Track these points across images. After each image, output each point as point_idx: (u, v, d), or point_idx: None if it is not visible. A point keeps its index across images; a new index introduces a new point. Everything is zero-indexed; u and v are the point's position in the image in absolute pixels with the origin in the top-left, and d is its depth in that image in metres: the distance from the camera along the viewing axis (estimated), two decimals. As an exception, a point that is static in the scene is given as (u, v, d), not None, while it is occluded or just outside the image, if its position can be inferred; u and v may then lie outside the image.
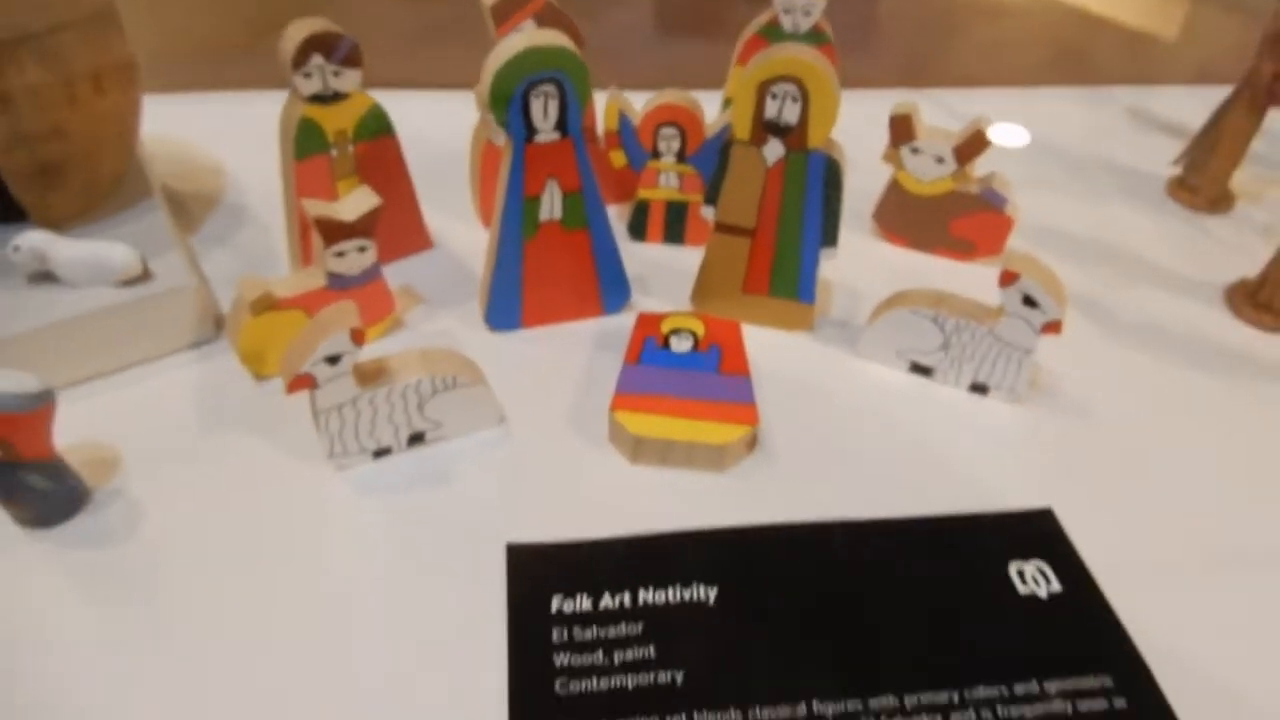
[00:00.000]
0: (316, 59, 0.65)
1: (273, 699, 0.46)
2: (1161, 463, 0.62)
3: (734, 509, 0.56)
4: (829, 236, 0.65)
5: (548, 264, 0.66)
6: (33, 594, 0.50)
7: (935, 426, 0.63)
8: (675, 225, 0.78)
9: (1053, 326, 0.61)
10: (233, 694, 0.46)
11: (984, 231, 0.77)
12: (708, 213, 0.67)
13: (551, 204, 0.64)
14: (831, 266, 0.75)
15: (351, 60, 0.66)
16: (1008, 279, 0.60)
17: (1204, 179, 0.87)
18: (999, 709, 0.46)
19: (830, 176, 0.63)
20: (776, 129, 0.61)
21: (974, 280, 0.72)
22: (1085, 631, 0.50)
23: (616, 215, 0.81)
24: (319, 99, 0.67)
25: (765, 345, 0.69)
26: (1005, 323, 0.62)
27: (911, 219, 0.79)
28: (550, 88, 0.59)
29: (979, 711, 0.45)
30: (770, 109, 0.61)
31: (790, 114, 0.60)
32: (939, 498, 0.58)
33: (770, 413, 0.63)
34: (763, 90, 0.60)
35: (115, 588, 0.50)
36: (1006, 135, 0.99)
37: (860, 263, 0.78)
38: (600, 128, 0.78)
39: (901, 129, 0.74)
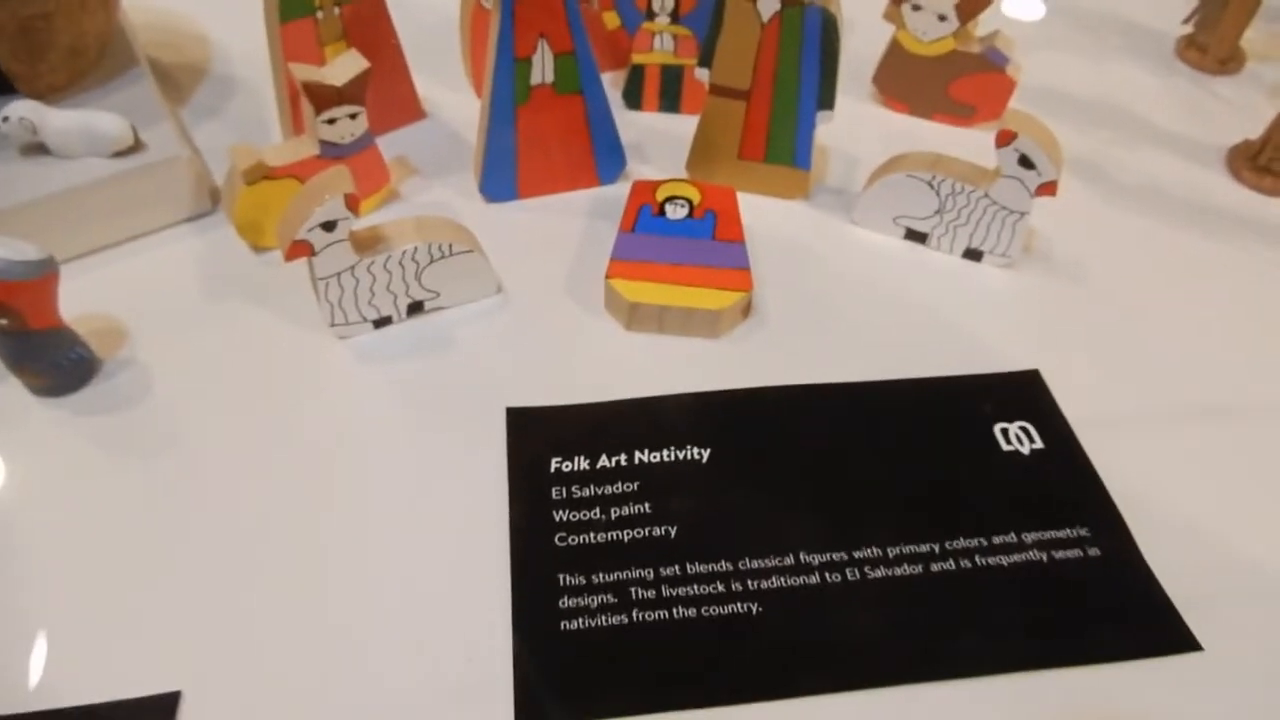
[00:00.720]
0: (296, -85, 0.62)
1: (286, 548, 0.48)
2: (1149, 323, 0.62)
3: (729, 373, 0.58)
4: (825, 99, 0.64)
5: (541, 130, 0.66)
6: (50, 458, 0.52)
7: (928, 292, 0.64)
8: (671, 92, 0.76)
9: (1048, 188, 0.61)
10: (248, 544, 0.48)
11: (985, 93, 0.75)
12: (701, 74, 0.66)
13: (543, 66, 0.63)
14: (829, 132, 0.74)
15: (333, -84, 0.63)
16: (1005, 138, 0.60)
17: (1214, 37, 0.84)
18: (977, 559, 0.48)
19: (827, 32, 0.61)
20: (772, -17, 0.59)
21: (973, 148, 0.71)
22: (1064, 486, 0.52)
23: (611, 82, 0.79)
24: (300, -41, 0.64)
25: (761, 212, 0.69)
26: (1000, 184, 0.62)
27: (912, 82, 0.77)
28: (538, -63, 0.57)
29: (958, 561, 0.48)
30: (767, -38, 0.59)
31: (787, -33, 0.58)
32: (929, 361, 0.59)
33: (765, 279, 0.64)
34: (755, -59, 0.58)
35: (129, 451, 0.52)
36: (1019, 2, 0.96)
37: (859, 129, 0.77)
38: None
39: (905, -15, 0.72)
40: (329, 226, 0.53)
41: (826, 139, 0.74)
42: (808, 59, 0.63)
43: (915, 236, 0.67)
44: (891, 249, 0.67)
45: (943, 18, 0.72)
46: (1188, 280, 0.66)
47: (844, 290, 0.64)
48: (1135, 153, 0.77)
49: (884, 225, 0.67)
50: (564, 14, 0.61)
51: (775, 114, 0.66)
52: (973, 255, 0.66)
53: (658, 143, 0.75)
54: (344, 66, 0.61)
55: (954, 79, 0.75)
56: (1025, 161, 0.60)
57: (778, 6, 0.61)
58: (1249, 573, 0.49)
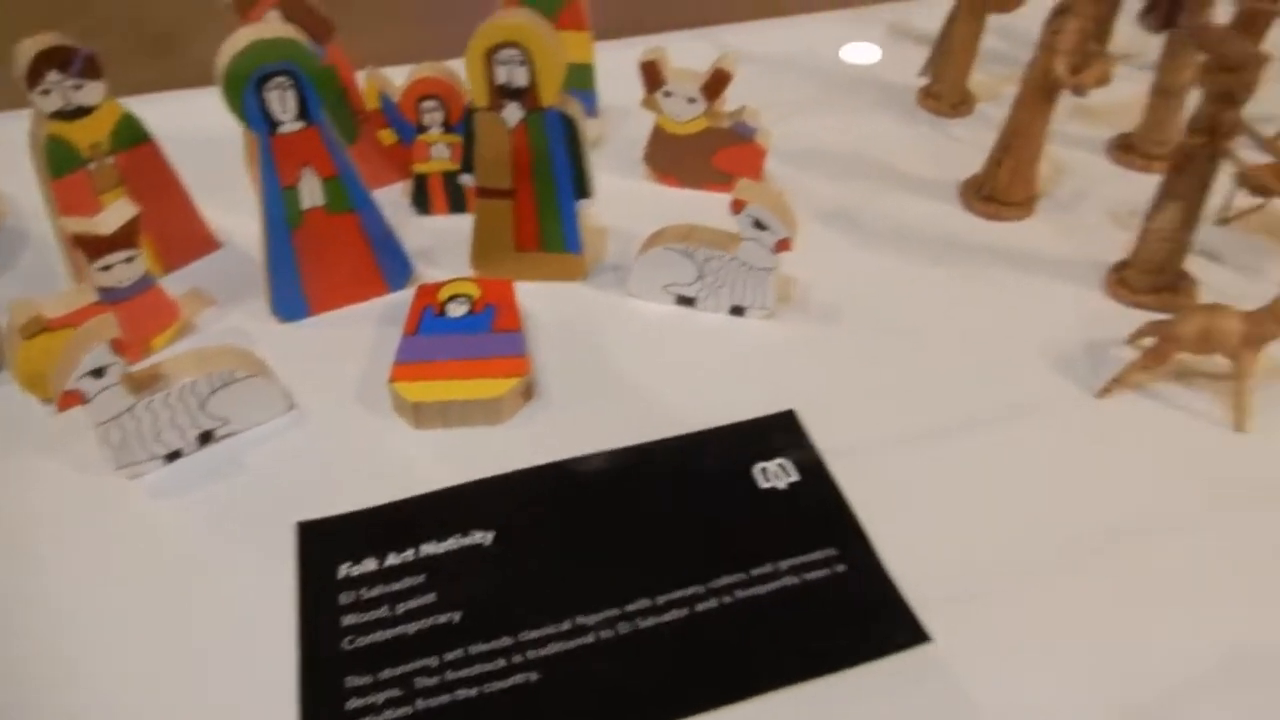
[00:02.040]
0: (52, 75, 0.65)
1: (83, 685, 0.49)
2: (895, 352, 0.69)
3: (514, 455, 0.61)
4: (581, 189, 0.70)
5: (320, 249, 0.69)
6: None
7: (700, 351, 0.69)
8: (455, 194, 0.81)
9: (783, 244, 0.67)
10: (52, 685, 0.49)
11: (743, 162, 0.83)
12: (466, 180, 0.70)
13: (311, 191, 0.66)
14: (610, 212, 0.80)
15: (90, 72, 0.67)
16: (737, 207, 0.66)
17: (945, 85, 0.94)
18: (738, 593, 0.52)
19: (569, 131, 0.67)
20: (510, 93, 0.65)
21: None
22: (816, 512, 0.57)
23: (403, 191, 0.83)
24: (63, 115, 0.67)
25: (546, 297, 0.74)
26: (744, 246, 0.68)
27: (678, 158, 0.84)
28: (284, 79, 0.61)
29: (720, 598, 0.52)
30: (500, 75, 0.64)
31: (519, 77, 0.64)
32: (699, 416, 0.64)
33: (548, 361, 0.68)
34: (489, 58, 0.63)
35: (-87, 624, 0.53)
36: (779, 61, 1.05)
37: (637, 206, 0.82)
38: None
39: (651, 75, 0.79)
40: (98, 373, 0.55)
41: (607, 218, 0.80)
42: (558, 156, 0.68)
43: (685, 301, 0.73)
44: (665, 316, 0.72)
45: (692, 100, 0.79)
46: (925, 308, 0.73)
47: (623, 360, 0.69)
48: (883, 197, 0.85)
49: (656, 295, 0.73)
50: (323, 144, 0.65)
51: (540, 207, 0.71)
52: (737, 311, 0.72)
53: (450, 243, 0.79)
54: (114, 214, 0.63)
55: (713, 152, 0.82)
56: (759, 224, 0.66)
57: (521, 114, 0.66)
58: (974, 571, 0.55)
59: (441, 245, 0.79)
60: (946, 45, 0.92)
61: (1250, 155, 0.68)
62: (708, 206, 0.83)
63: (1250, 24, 0.75)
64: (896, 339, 0.70)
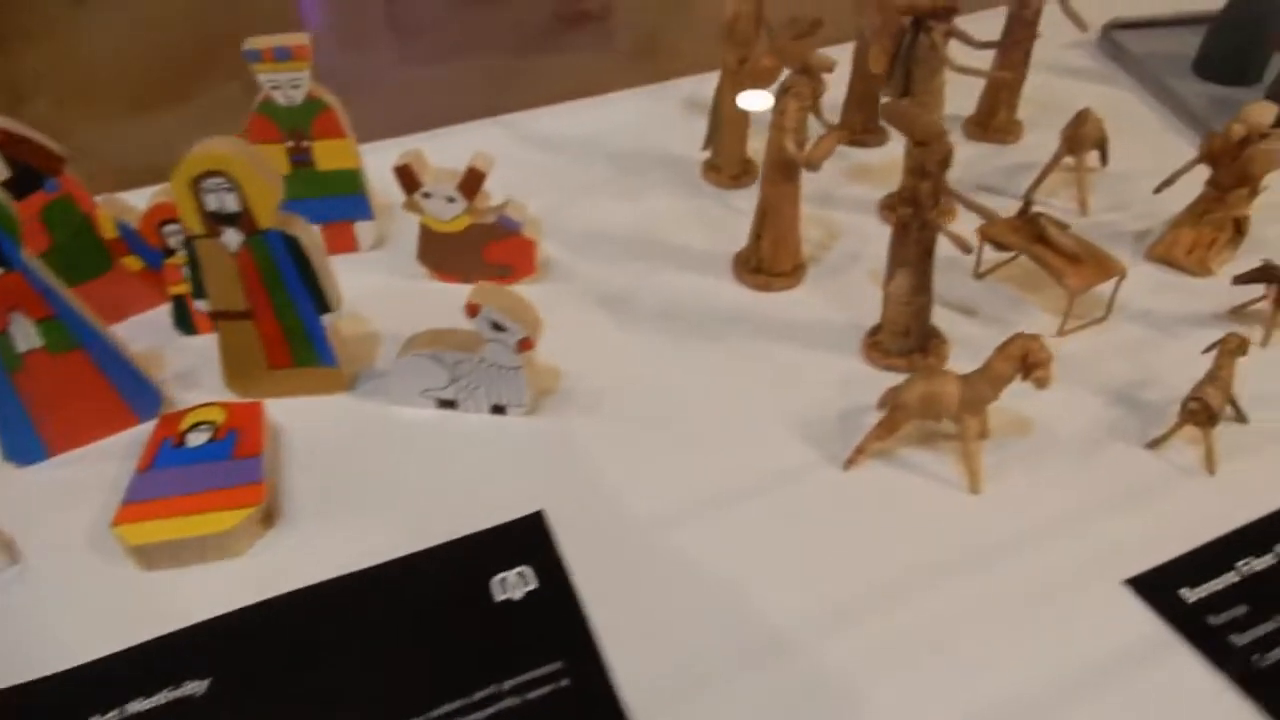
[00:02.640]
0: None
1: None
2: (655, 437, 0.69)
3: (246, 590, 0.59)
4: (321, 304, 0.69)
5: (49, 390, 0.66)
6: None
7: (458, 456, 0.68)
8: (219, 311, 0.79)
9: (525, 344, 0.67)
10: None
11: (515, 254, 0.83)
12: (201, 305, 0.69)
13: (25, 334, 0.64)
14: (391, 313, 0.79)
15: None
16: (472, 310, 0.65)
17: (723, 158, 0.96)
18: (457, 720, 0.51)
19: (293, 251, 0.66)
20: (224, 218, 0.64)
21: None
22: (549, 622, 0.56)
23: (168, 312, 0.81)
24: None
25: (305, 412, 0.72)
26: (489, 348, 0.67)
27: (450, 255, 0.83)
28: (-24, 226, 0.59)
29: (438, 728, 0.50)
30: (210, 202, 0.63)
31: (230, 203, 0.63)
32: (447, 526, 0.62)
33: (299, 481, 0.66)
34: (195, 187, 0.62)
35: None
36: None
37: (418, 306, 0.81)
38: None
39: (406, 178, 0.78)
40: None
41: (389, 320, 0.79)
42: (289, 275, 0.67)
43: (447, 404, 0.71)
44: (427, 421, 0.71)
45: (451, 199, 0.79)
46: (691, 387, 0.73)
47: (379, 472, 0.67)
48: (661, 275, 0.85)
49: (416, 400, 0.72)
50: (29, 287, 0.62)
51: (284, 325, 0.70)
52: (498, 410, 0.71)
53: (216, 363, 0.77)
54: None
55: (484, 246, 0.82)
56: (497, 326, 0.66)
57: (240, 238, 0.65)
58: (700, 666, 0.54)
59: (207, 365, 0.76)
60: (718, 118, 0.94)
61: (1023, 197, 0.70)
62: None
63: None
64: (658, 423, 0.70)
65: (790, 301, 0.82)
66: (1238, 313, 0.76)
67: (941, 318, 0.78)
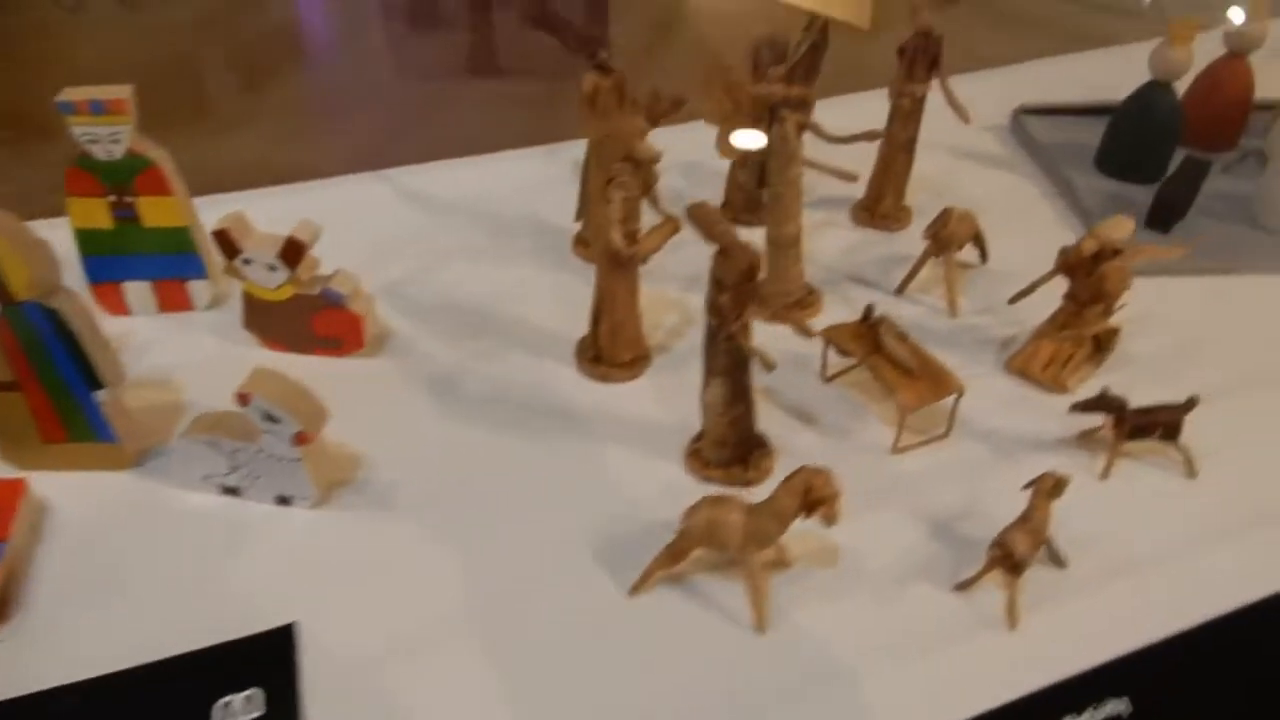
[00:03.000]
0: None
1: None
2: (445, 542, 0.64)
3: (-45, 699, 0.54)
4: (93, 380, 0.64)
5: None
6: None
7: (234, 551, 0.64)
8: None
9: (303, 437, 0.62)
10: None
11: (342, 328, 0.78)
12: (-35, 375, 0.64)
13: None
14: (210, 382, 0.74)
15: None
16: (243, 400, 0.61)
17: (592, 231, 0.92)
18: None
19: (57, 325, 0.61)
20: (-23, 289, 0.60)
21: (346, 377, 0.73)
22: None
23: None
24: None
25: (80, 490, 0.67)
26: (266, 438, 0.63)
27: (277, 324, 0.79)
28: None
29: None
30: (-38, 272, 0.59)
31: (-19, 273, 0.59)
32: (196, 630, 0.58)
33: (60, 566, 0.62)
34: (-58, 256, 0.58)
35: None
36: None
37: (238, 376, 0.77)
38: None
39: (225, 243, 0.74)
40: None
41: (207, 388, 0.75)
42: (54, 348, 0.63)
43: (231, 491, 0.67)
44: (209, 508, 0.67)
45: (273, 267, 0.75)
46: (500, 487, 0.69)
47: (148, 563, 0.63)
48: (504, 355, 0.81)
49: (197, 485, 0.67)
50: None
51: (55, 399, 0.65)
52: (284, 501, 0.66)
53: None
54: None
55: (310, 317, 0.78)
56: (270, 417, 0.61)
57: (-1, 308, 0.61)
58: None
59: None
60: (586, 191, 0.91)
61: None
62: (315, 373, 0.78)
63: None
64: (451, 528, 0.66)
65: (628, 394, 0.78)
66: (1086, 438, 0.72)
67: (777, 423, 0.74)
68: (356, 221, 0.98)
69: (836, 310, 0.86)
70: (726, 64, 0.70)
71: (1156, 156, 1.00)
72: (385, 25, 2.58)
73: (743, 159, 0.77)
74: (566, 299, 0.88)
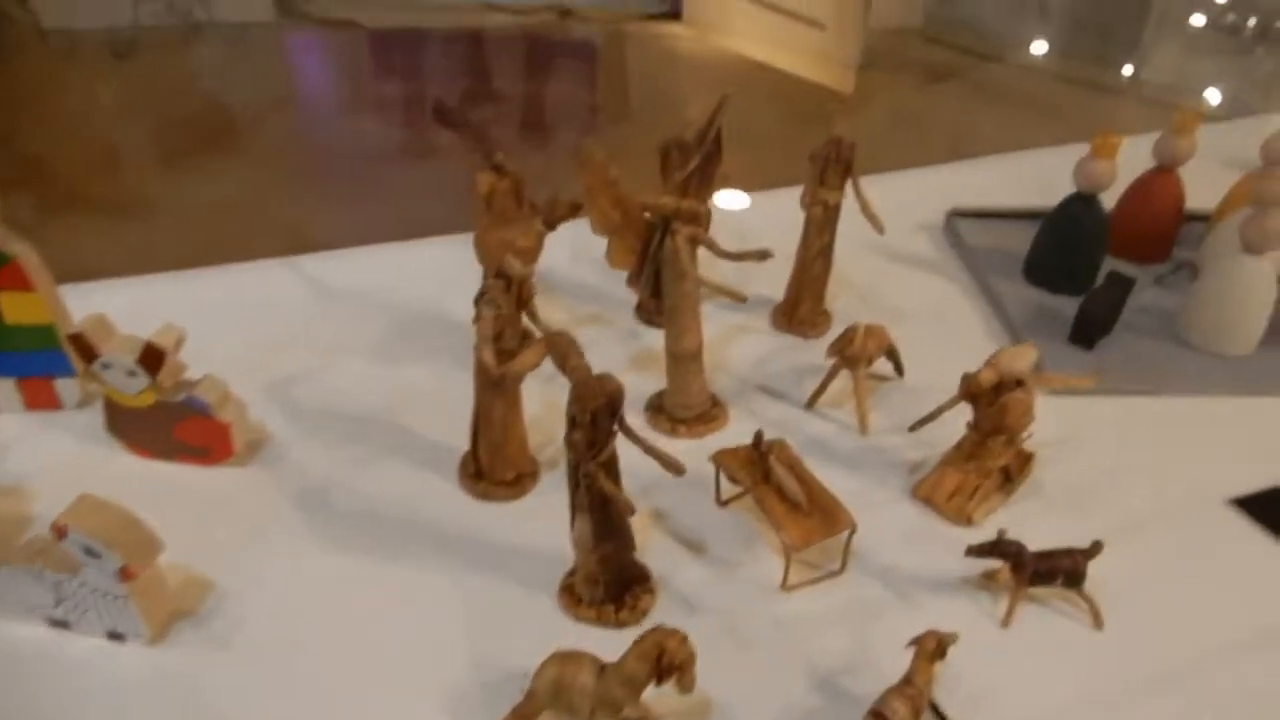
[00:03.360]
0: None
1: None
2: (288, 683, 0.59)
3: None
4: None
5: None
6: None
7: (52, 693, 0.58)
8: None
9: (128, 572, 0.57)
10: None
11: (209, 436, 0.74)
12: None
13: None
14: (55, 492, 0.69)
15: None
16: (59, 533, 0.56)
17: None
18: None
19: None
20: None
21: (209, 488, 0.68)
22: None
23: None
24: None
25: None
26: (88, 572, 0.58)
27: (141, 430, 0.74)
28: None
29: None
30: None
31: None
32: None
33: None
34: None
35: None
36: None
37: (97, 484, 0.71)
38: None
39: (81, 348, 0.70)
40: None
41: (47, 502, 0.70)
42: None
43: (60, 624, 0.61)
44: (35, 641, 0.61)
45: (132, 373, 0.71)
46: (358, 620, 0.64)
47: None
48: (383, 467, 0.77)
49: (23, 615, 0.61)
50: None
51: None
52: (116, 637, 0.61)
53: None
54: None
55: (174, 425, 0.73)
56: (90, 551, 0.56)
57: None
58: None
59: None
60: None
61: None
62: (181, 483, 0.74)
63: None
64: (295, 669, 0.60)
65: (510, 516, 0.73)
66: (989, 579, 0.68)
67: (664, 553, 0.69)
68: (253, 312, 0.94)
69: (743, 424, 0.82)
70: (611, 176, 0.67)
71: (1083, 269, 0.98)
72: (322, 107, 2.60)
73: (636, 270, 0.73)
74: (461, 405, 0.84)
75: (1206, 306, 0.91)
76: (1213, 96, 2.51)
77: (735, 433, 0.81)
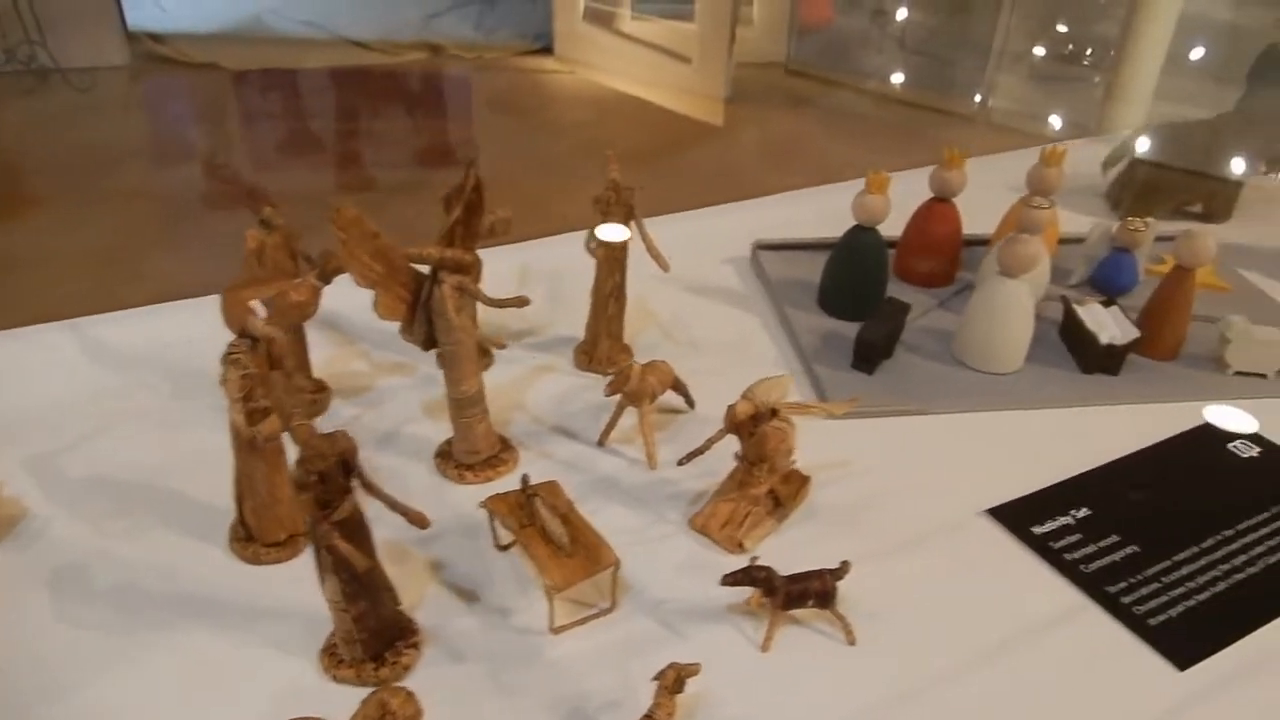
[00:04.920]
0: None
1: None
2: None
3: None
4: None
5: None
6: None
7: None
8: None
9: None
10: None
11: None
12: None
13: None
14: None
15: None
16: None
17: (280, 390, 0.86)
18: None
19: None
20: None
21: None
22: None
23: None
24: None
25: None
26: None
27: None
28: None
29: None
30: None
31: None
32: None
33: None
34: None
35: None
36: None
37: None
38: None
39: None
40: None
41: None
42: None
43: None
44: None
45: None
46: (109, 705, 0.61)
47: None
48: (151, 536, 0.74)
49: None
50: None
51: None
52: None
53: None
54: None
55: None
56: None
57: None
58: None
59: None
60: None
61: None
62: None
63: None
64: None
65: (281, 578, 0.71)
66: (748, 606, 0.70)
67: (436, 602, 0.69)
68: (19, 382, 0.90)
69: (533, 466, 0.83)
70: (369, 229, 0.67)
71: (866, 297, 1.03)
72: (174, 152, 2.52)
73: (408, 320, 0.73)
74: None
75: (972, 327, 0.96)
76: (1055, 122, 2.69)
77: (529, 473, 0.82)
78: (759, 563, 0.66)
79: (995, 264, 0.95)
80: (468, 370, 0.76)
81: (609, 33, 3.55)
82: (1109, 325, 0.98)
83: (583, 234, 0.91)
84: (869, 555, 0.73)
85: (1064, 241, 1.15)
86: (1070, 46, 3.17)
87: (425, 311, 0.74)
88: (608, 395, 0.82)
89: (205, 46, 3.46)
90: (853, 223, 1.02)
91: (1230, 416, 0.93)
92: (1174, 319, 0.99)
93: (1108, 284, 1.11)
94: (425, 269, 0.73)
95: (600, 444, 0.86)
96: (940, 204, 1.09)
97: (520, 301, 0.70)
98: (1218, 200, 1.37)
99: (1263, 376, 0.99)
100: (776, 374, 0.76)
